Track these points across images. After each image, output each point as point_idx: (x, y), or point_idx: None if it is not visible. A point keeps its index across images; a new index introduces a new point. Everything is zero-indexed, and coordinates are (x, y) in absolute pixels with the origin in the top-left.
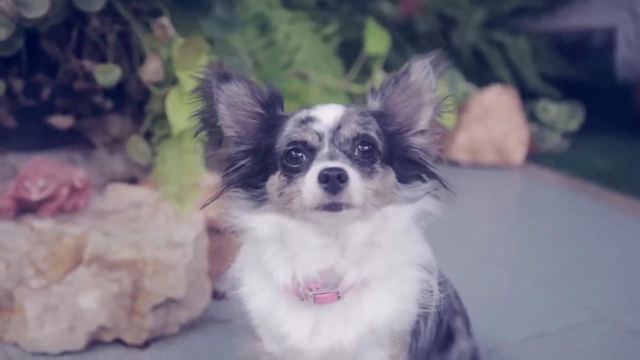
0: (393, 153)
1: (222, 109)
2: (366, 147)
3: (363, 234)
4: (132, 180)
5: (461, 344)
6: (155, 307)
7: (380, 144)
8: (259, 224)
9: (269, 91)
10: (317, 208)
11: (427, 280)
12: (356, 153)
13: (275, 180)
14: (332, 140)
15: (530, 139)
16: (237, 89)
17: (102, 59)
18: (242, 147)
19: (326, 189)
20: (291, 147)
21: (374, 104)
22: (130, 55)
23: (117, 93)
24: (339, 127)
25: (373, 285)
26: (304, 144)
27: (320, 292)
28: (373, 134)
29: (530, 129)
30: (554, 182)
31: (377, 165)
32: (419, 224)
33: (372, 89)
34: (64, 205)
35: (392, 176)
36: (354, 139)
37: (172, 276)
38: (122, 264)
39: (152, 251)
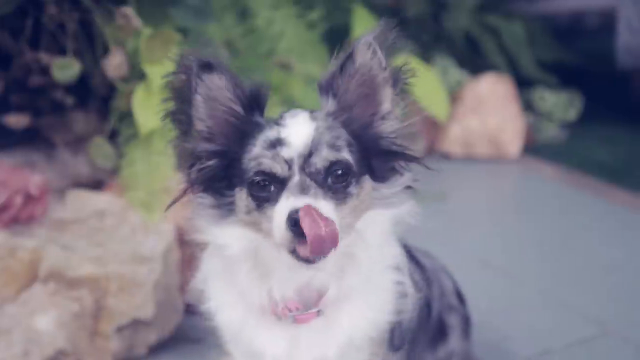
0: (367, 151)
1: (198, 100)
2: (339, 171)
3: (339, 248)
4: (98, 184)
5: (453, 343)
6: (120, 328)
7: (355, 163)
8: (229, 240)
9: (252, 90)
10: (287, 251)
11: (401, 282)
12: (329, 181)
13: (243, 198)
14: (302, 168)
15: (526, 130)
16: (219, 81)
17: (62, 51)
18: (210, 146)
19: (296, 233)
20: (259, 178)
21: (328, 105)
22: (93, 46)
23: (80, 88)
24: (310, 154)
25: (350, 297)
26: (272, 175)
27: (299, 313)
28: (346, 155)
29: (526, 120)
30: (552, 176)
31: (351, 188)
32: (395, 230)
33: (320, 86)
34: (18, 215)
35: (367, 187)
36: (327, 168)
37: (138, 294)
38: (83, 281)
39: (117, 266)
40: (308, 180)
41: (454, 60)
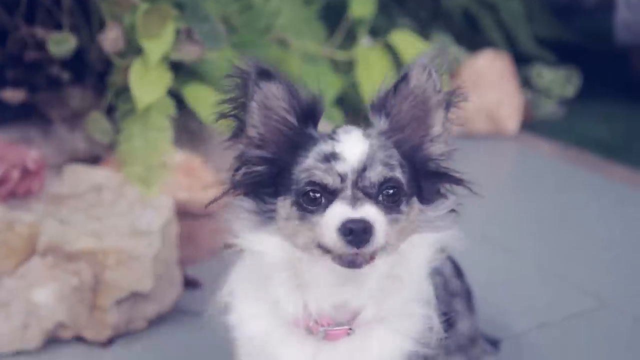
0: (416, 173)
1: (253, 107)
2: (391, 191)
3: (383, 269)
4: (95, 159)
5: (459, 326)
6: (119, 302)
7: (406, 183)
8: (268, 248)
9: (308, 102)
10: (334, 259)
11: (429, 316)
12: (380, 198)
13: (286, 207)
14: (355, 183)
15: (524, 107)
16: (276, 91)
17: (57, 26)
18: (260, 153)
19: (349, 242)
20: (310, 188)
21: (380, 124)
22: (89, 21)
23: (76, 63)
24: (364, 169)
25: (384, 320)
26: (324, 186)
27: (332, 328)
28: (399, 175)
29: (524, 96)
30: (550, 152)
31: (402, 207)
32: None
33: (372, 105)
34: (15, 189)
35: (416, 209)
36: (380, 184)
37: (137, 268)
38: (81, 255)
39: (115, 240)
40: (361, 194)
41: (451, 36)
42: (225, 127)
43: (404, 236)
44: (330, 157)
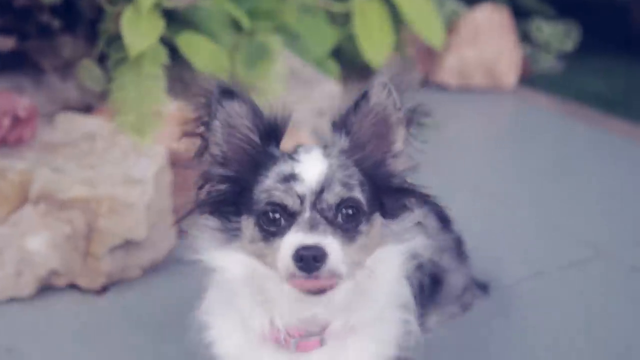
0: (378, 189)
1: (216, 125)
2: (350, 211)
3: (348, 285)
4: (87, 109)
5: (450, 280)
6: (113, 250)
7: (366, 202)
8: (230, 264)
9: (271, 121)
10: (291, 283)
11: (408, 321)
12: (339, 219)
13: (249, 227)
14: (314, 205)
15: (523, 61)
16: (239, 109)
17: None
18: (223, 171)
19: (301, 268)
20: (269, 208)
21: (341, 142)
22: None
23: (67, 11)
24: (322, 190)
25: (356, 331)
26: (284, 207)
27: (303, 340)
28: (358, 195)
29: (523, 50)
30: (549, 107)
31: (361, 227)
32: (407, 265)
33: (334, 124)
34: (7, 137)
35: (377, 225)
36: (338, 205)
37: (130, 216)
38: (74, 203)
39: (108, 188)
40: (318, 216)
41: None
42: (190, 146)
43: (366, 252)
44: (290, 178)
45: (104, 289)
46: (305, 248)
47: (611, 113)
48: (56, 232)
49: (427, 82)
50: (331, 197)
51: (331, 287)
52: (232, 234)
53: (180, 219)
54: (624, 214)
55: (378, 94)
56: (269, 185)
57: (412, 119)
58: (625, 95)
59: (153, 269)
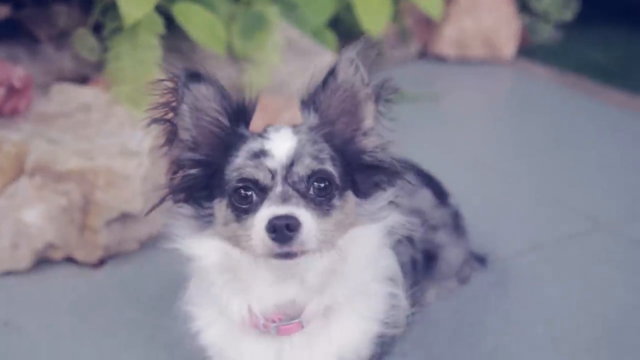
0: (350, 167)
1: (184, 109)
2: (322, 184)
3: (322, 264)
4: (83, 80)
5: (447, 255)
6: (109, 222)
7: (337, 175)
8: (204, 251)
9: (239, 103)
10: (267, 255)
11: (394, 295)
12: (311, 192)
13: (222, 209)
14: (285, 178)
15: (521, 31)
16: (206, 92)
17: None
18: (193, 156)
19: (275, 239)
20: (241, 185)
21: (310, 119)
22: None
23: None
24: (292, 164)
25: (339, 310)
26: (255, 182)
27: (283, 324)
28: (329, 167)
29: (521, 20)
30: (547, 78)
31: (334, 201)
32: (387, 241)
33: (302, 101)
34: (2, 107)
35: (351, 202)
36: (309, 177)
37: (127, 188)
38: (70, 175)
39: (104, 160)
40: (290, 190)
41: None
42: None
43: (340, 231)
44: (260, 154)
45: (101, 263)
46: (278, 217)
47: (610, 84)
48: (52, 205)
49: (425, 54)
50: (302, 170)
51: (302, 253)
52: (205, 221)
53: (153, 207)
54: (622, 186)
55: (345, 70)
56: (239, 164)
57: (380, 95)
58: (624, 66)
59: (150, 242)
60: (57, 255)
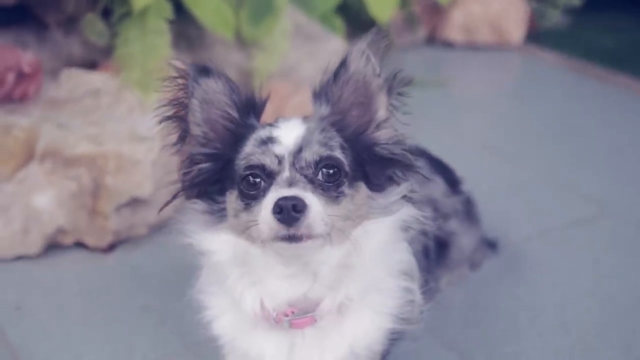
0: (362, 159)
1: (194, 104)
2: (331, 171)
3: (335, 258)
4: (92, 65)
5: (459, 242)
6: (120, 207)
7: (347, 163)
8: (218, 246)
9: (248, 95)
10: (274, 239)
11: (409, 289)
12: (320, 177)
13: (232, 200)
14: (292, 164)
15: (529, 17)
16: (215, 85)
17: None
18: (205, 150)
19: (281, 221)
20: (248, 172)
21: (321, 110)
22: None
23: None
24: (300, 150)
25: (352, 305)
26: (262, 168)
27: (296, 317)
28: (337, 154)
29: (529, 5)
30: (555, 63)
31: (344, 188)
32: (402, 235)
33: (314, 93)
34: (11, 92)
35: (363, 193)
36: (317, 162)
37: (137, 173)
38: (80, 160)
39: (114, 145)
40: (298, 175)
41: None
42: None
43: (352, 222)
44: (267, 141)
45: (111, 248)
46: (284, 198)
47: (618, 69)
48: (62, 190)
49: (433, 39)
50: (309, 155)
51: (308, 238)
52: (218, 215)
53: (168, 203)
54: (631, 171)
55: (357, 61)
56: (247, 151)
57: (392, 87)
58: (632, 51)
59: (160, 227)
60: (68, 240)
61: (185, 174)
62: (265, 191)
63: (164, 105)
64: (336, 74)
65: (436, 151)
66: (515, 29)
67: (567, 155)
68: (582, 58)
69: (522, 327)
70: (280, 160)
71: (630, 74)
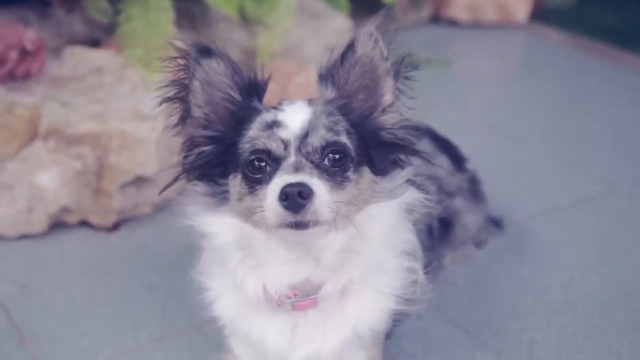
0: (367, 143)
1: (196, 85)
2: (337, 156)
3: (339, 243)
4: (94, 43)
5: (464, 221)
6: (124, 186)
7: (352, 148)
8: (219, 229)
9: (250, 76)
10: (279, 226)
11: (412, 269)
12: (326, 162)
13: (236, 184)
14: (298, 149)
15: None
16: (217, 66)
17: None
18: (207, 132)
19: (287, 207)
20: (254, 157)
21: (327, 93)
22: None
23: None
24: (306, 135)
25: (354, 287)
26: (268, 152)
27: (298, 299)
28: (344, 139)
29: None
30: (561, 42)
31: (349, 173)
32: (407, 217)
33: (320, 75)
34: (14, 70)
35: (367, 178)
36: (323, 148)
37: (140, 151)
38: (84, 138)
39: (118, 123)
40: (304, 160)
41: None
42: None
43: (356, 207)
44: (273, 125)
45: (115, 226)
46: (290, 185)
47: (623, 47)
48: (66, 168)
49: (437, 18)
50: (316, 140)
51: (314, 224)
52: (220, 198)
53: (168, 185)
54: (636, 150)
55: (364, 44)
56: (252, 135)
57: (399, 71)
58: (638, 29)
59: (164, 206)
60: (72, 219)
61: (186, 156)
62: (270, 175)
63: (165, 86)
64: (343, 57)
65: (441, 130)
66: (520, 7)
67: (572, 133)
68: (588, 36)
69: (527, 305)
70: (286, 145)
71: (636, 52)
